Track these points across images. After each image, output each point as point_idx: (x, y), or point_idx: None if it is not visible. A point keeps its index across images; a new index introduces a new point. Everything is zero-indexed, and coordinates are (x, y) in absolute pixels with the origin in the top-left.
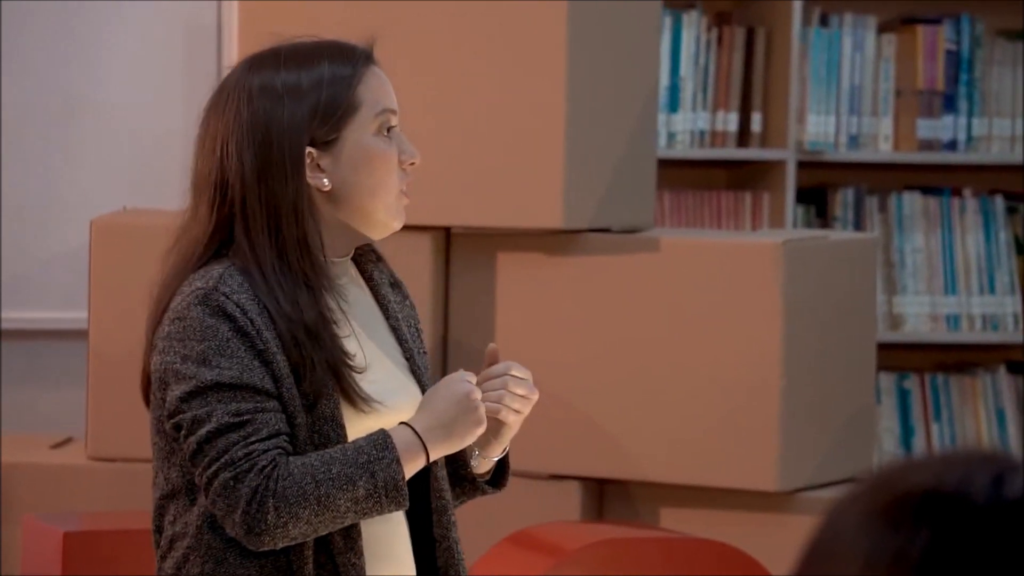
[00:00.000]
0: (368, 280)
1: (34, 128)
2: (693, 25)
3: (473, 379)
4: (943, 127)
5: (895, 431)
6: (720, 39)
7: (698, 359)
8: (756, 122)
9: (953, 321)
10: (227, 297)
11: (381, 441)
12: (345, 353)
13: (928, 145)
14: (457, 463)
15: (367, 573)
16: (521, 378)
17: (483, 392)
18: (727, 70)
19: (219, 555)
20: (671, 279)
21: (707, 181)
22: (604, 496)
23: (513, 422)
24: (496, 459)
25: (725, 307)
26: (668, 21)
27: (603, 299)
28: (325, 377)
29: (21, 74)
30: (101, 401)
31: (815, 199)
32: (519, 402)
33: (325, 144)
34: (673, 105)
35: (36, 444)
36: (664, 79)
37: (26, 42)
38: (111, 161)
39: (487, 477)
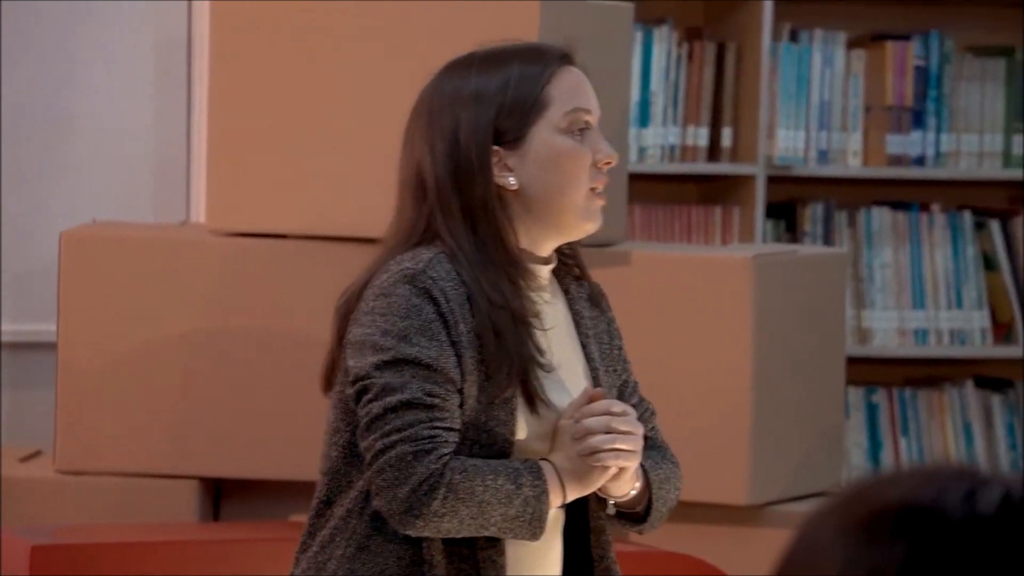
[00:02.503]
0: (565, 292)
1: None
2: (664, 40)
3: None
4: (912, 143)
5: (863, 445)
6: (691, 54)
7: (668, 373)
8: (726, 137)
9: (921, 336)
10: (434, 281)
11: (536, 470)
12: (539, 349)
13: (897, 160)
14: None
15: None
16: (621, 414)
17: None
18: (698, 85)
19: (362, 541)
20: (642, 293)
21: (678, 195)
22: None
23: (625, 463)
24: (629, 496)
25: (695, 321)
26: (639, 36)
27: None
28: (513, 373)
29: None
30: (70, 414)
31: (785, 214)
32: (629, 441)
33: (513, 142)
34: (644, 120)
35: (4, 457)
36: (635, 94)
37: None
38: (81, 174)
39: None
